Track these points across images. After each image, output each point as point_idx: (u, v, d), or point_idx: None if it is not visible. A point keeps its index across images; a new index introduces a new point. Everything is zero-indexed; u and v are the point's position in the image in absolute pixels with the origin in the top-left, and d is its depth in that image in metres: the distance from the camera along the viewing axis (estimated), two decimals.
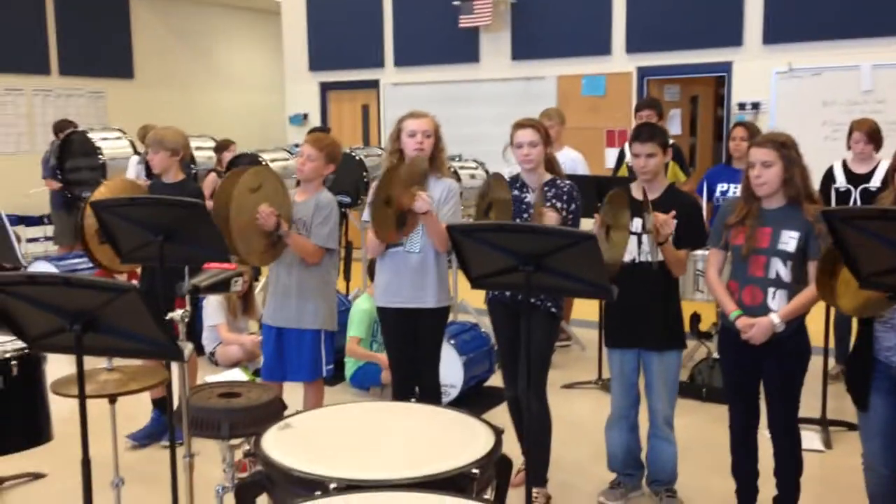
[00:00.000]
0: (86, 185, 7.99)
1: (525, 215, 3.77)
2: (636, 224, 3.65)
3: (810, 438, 4.47)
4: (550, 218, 3.65)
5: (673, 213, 3.51)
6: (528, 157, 3.75)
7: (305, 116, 11.62)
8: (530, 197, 3.80)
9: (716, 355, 5.44)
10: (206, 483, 3.09)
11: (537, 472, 3.83)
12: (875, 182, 5.27)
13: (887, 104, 8.00)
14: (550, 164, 3.90)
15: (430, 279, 3.82)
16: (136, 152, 8.10)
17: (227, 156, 7.49)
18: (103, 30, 12.46)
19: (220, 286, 2.59)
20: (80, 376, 2.28)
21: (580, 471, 4.26)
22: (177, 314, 2.46)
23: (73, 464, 4.22)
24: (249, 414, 2.67)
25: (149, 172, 7.25)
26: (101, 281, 2.15)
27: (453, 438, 2.35)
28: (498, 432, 2.36)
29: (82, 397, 2.29)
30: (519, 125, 3.81)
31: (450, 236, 2.81)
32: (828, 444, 4.57)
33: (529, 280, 2.69)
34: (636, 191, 3.75)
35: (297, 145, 10.49)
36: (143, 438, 4.63)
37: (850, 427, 4.75)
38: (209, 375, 4.91)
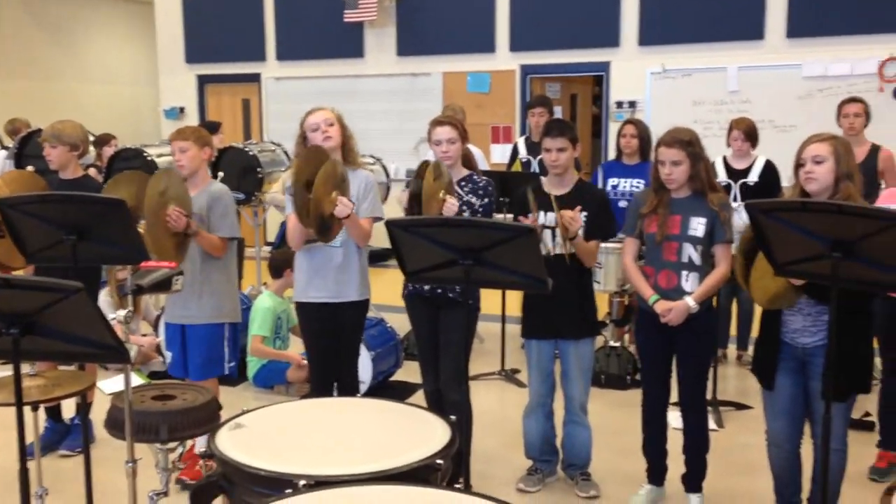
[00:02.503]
0: None
1: None
2: (550, 218, 3.77)
3: None
4: (450, 206, 3.58)
5: (578, 208, 3.65)
6: (448, 154, 3.79)
7: (182, 110, 11.24)
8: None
9: (612, 343, 5.67)
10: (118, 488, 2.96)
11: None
12: (752, 177, 5.62)
13: (752, 104, 8.54)
14: (467, 160, 3.96)
15: (352, 273, 3.81)
16: (2, 146, 7.65)
17: (108, 151, 7.17)
18: None
19: (163, 285, 2.50)
20: (18, 382, 2.15)
21: (495, 460, 4.35)
22: (120, 314, 2.36)
23: None
24: (188, 416, 2.59)
25: (18, 167, 6.85)
26: (47, 282, 2.04)
27: (410, 431, 2.36)
28: (452, 423, 2.39)
29: (19, 405, 2.16)
30: (437, 122, 3.85)
31: (388, 231, 2.82)
32: (720, 423, 4.87)
33: (469, 274, 2.74)
34: (547, 185, 3.88)
35: None
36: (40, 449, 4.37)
37: (738, 407, 5.08)
38: (101, 381, 4.69)
